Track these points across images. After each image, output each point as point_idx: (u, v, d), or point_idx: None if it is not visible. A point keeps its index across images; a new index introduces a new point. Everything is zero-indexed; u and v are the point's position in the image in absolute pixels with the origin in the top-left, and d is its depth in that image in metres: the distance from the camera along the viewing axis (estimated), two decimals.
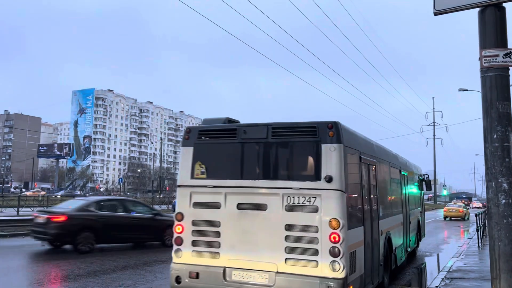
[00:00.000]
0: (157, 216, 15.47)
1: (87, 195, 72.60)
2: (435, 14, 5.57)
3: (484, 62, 5.18)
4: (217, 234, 6.58)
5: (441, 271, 10.65)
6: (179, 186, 7.02)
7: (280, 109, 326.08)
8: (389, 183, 9.64)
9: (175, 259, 6.80)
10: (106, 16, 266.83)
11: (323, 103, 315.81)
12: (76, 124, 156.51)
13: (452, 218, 39.19)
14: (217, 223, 6.61)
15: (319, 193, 6.10)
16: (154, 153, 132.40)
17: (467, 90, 41.02)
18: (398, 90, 52.85)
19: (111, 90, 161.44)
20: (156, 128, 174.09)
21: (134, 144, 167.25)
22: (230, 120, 7.31)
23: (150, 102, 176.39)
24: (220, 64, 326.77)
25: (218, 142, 7.04)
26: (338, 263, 5.87)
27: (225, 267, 6.44)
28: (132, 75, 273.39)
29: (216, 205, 6.68)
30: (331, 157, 6.12)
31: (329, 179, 6.06)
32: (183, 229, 6.81)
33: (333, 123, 6.25)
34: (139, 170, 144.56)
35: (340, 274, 5.85)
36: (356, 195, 6.96)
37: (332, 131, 6.20)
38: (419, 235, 14.21)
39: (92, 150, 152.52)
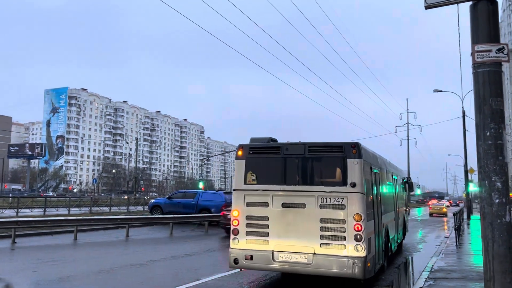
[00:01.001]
0: None
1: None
2: (426, 7, 5.40)
3: (477, 58, 5.03)
4: (266, 226, 8.43)
5: (424, 271, 10.57)
6: (235, 190, 8.92)
7: (255, 109, 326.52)
8: (386, 186, 11.47)
9: (232, 245, 8.63)
10: (77, 14, 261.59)
11: (298, 104, 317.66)
12: (48, 123, 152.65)
13: (434, 215, 46.88)
14: (266, 218, 8.47)
15: (345, 195, 8.00)
16: (129, 153, 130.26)
17: (442, 91, 41.68)
18: (373, 91, 53.36)
19: (85, 89, 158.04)
20: (131, 128, 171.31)
21: (108, 144, 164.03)
22: (271, 139, 9.35)
23: (125, 102, 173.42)
24: (193, 62, 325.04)
25: (265, 157, 8.95)
26: (361, 245, 7.75)
27: (273, 250, 8.28)
28: (106, 74, 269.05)
29: (265, 204, 8.54)
30: (354, 168, 8.07)
31: (353, 185, 7.98)
32: (238, 223, 8.66)
33: (355, 143, 8.23)
34: (113, 171, 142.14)
35: (362, 254, 7.75)
36: (370, 196, 8.76)
37: (354, 149, 8.14)
38: (405, 229, 16.26)
39: (65, 150, 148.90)
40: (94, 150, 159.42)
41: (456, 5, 7.45)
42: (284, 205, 8.39)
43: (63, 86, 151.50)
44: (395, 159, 14.23)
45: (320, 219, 8.02)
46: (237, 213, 8.69)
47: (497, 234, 4.82)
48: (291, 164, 8.58)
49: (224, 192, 27.74)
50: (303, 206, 8.24)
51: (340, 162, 8.17)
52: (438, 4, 5.36)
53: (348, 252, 7.77)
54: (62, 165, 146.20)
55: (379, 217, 9.62)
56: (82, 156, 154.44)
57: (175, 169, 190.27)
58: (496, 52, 4.98)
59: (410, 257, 14.16)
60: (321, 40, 25.89)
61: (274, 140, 9.41)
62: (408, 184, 16.32)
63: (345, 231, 7.84)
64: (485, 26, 5.07)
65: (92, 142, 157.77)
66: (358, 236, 7.75)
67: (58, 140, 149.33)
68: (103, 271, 10.58)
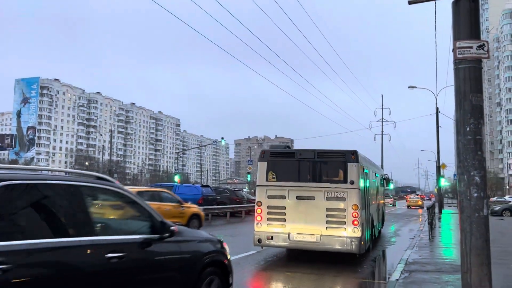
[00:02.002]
0: None
1: None
2: (410, 3, 5.44)
3: (458, 54, 5.10)
4: (284, 214, 10.55)
5: (399, 263, 10.73)
6: (258, 185, 11.06)
7: (231, 102, 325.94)
8: (371, 182, 13.37)
9: (256, 228, 10.77)
10: (49, 3, 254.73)
11: (273, 98, 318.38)
12: (19, 114, 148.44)
13: (412, 207, 53.98)
14: (283, 207, 10.60)
15: (346, 190, 10.21)
16: (103, 146, 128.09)
17: (416, 87, 42.38)
18: (349, 86, 53.76)
19: (58, 80, 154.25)
20: (105, 120, 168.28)
21: (81, 136, 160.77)
22: (287, 146, 12.29)
23: (99, 93, 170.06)
24: (169, 55, 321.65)
25: (283, 160, 11.14)
26: (357, 228, 9.98)
27: (289, 232, 10.42)
28: (79, 66, 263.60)
29: (282, 197, 10.67)
30: (353, 170, 10.30)
31: (352, 183, 10.19)
32: (261, 211, 10.75)
33: (354, 151, 10.48)
34: (86, 163, 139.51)
35: (358, 235, 9.98)
36: (363, 191, 10.81)
37: (353, 155, 10.39)
38: (383, 219, 18.96)
39: (36, 141, 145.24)
40: (67, 142, 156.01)
41: (434, 2, 7.51)
42: (298, 197, 10.51)
43: (35, 76, 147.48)
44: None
45: (326, 208, 10.19)
46: (260, 204, 10.80)
47: (475, 227, 4.93)
48: (304, 166, 10.74)
49: (201, 186, 27.46)
50: (313, 198, 10.37)
51: (342, 165, 10.38)
52: (420, 0, 5.42)
53: (347, 233, 9.96)
54: (33, 157, 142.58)
55: (368, 207, 11.79)
56: (54, 148, 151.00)
57: (150, 162, 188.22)
58: (476, 49, 5.06)
59: (385, 250, 14.40)
60: (296, 32, 25.77)
61: (289, 147, 12.24)
62: (385, 180, 19.04)
63: (345, 218, 10.03)
64: (466, 22, 5.15)
65: (64, 133, 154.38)
66: (355, 221, 9.95)
67: (29, 131, 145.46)
68: None
